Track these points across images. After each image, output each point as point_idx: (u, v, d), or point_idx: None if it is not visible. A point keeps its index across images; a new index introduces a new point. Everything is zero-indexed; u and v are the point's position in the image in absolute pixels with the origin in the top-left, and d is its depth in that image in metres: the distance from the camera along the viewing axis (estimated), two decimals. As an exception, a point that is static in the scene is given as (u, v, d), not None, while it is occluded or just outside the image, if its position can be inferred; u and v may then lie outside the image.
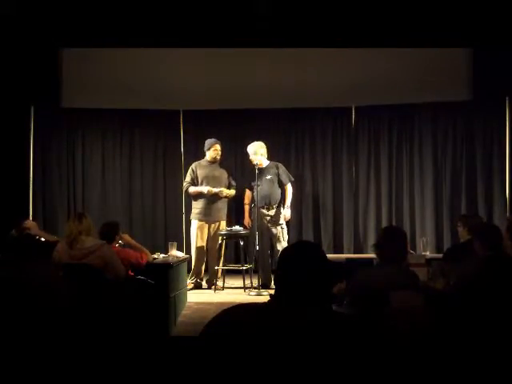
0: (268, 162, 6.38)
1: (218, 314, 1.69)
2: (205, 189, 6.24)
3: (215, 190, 6.24)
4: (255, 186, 6.16)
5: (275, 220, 6.30)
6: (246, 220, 6.51)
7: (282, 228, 6.30)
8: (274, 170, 6.34)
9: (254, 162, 6.23)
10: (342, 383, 1.54)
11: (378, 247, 3.23)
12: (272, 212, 6.30)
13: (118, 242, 4.51)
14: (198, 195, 6.32)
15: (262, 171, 6.27)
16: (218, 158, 6.39)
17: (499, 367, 2.30)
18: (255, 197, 6.17)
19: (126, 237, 4.70)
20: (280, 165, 6.44)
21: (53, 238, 4.84)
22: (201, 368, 1.60)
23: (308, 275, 1.69)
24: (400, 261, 3.13)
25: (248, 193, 6.51)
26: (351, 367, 1.55)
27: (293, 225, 7.00)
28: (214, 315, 1.70)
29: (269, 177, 6.28)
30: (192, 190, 6.35)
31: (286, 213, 6.35)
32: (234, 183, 6.48)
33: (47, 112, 7.01)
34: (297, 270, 1.70)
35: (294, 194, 6.51)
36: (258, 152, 6.27)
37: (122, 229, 4.72)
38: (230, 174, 6.50)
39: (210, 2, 6.09)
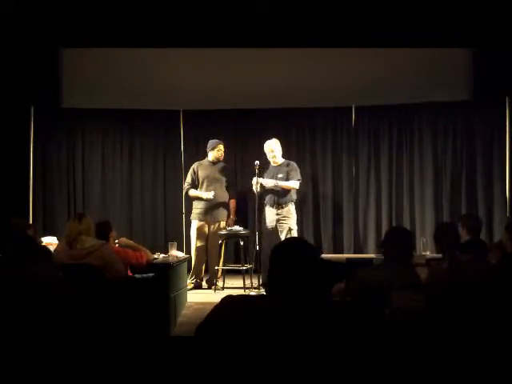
0: (282, 159, 6.35)
1: (214, 311, 1.70)
2: (204, 194, 6.26)
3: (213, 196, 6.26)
4: (258, 188, 6.12)
5: (285, 221, 6.19)
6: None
7: (290, 229, 6.15)
8: (284, 169, 6.28)
9: (270, 159, 6.27)
10: (341, 381, 1.54)
11: (383, 246, 3.23)
12: (282, 211, 6.19)
13: (114, 240, 4.53)
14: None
15: (275, 169, 6.26)
16: (222, 158, 6.41)
17: (500, 368, 2.30)
18: (263, 195, 6.18)
19: (124, 240, 4.70)
20: (291, 163, 6.36)
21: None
22: (200, 368, 1.60)
23: (298, 273, 1.69)
24: (405, 260, 3.14)
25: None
26: (350, 365, 1.55)
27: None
28: (210, 311, 1.71)
29: (280, 175, 6.21)
30: (192, 193, 6.39)
31: (267, 181, 6.14)
32: (234, 186, 6.50)
33: (47, 112, 7.01)
34: (286, 268, 1.71)
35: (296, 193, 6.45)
36: (274, 149, 6.26)
37: (121, 230, 4.73)
38: (231, 176, 6.50)
39: (210, 1, 6.10)
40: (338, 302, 3.12)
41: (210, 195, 6.22)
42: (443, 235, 3.84)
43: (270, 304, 1.67)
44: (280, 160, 6.34)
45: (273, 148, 6.28)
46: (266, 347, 1.57)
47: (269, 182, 6.14)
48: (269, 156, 6.30)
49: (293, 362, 1.54)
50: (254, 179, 6.13)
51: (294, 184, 6.21)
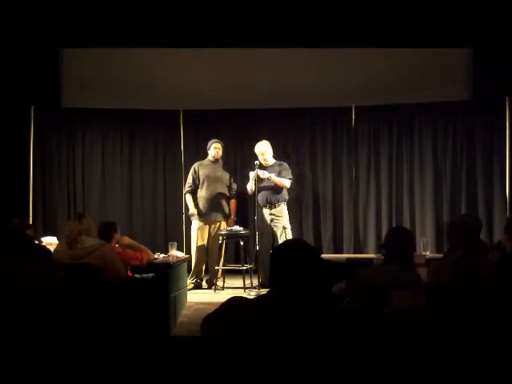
0: (274, 160, 6.39)
1: (214, 313, 1.70)
2: (191, 210, 6.34)
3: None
4: (254, 185, 6.16)
5: (278, 220, 6.24)
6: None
7: (284, 228, 6.22)
8: (277, 168, 6.31)
9: (261, 161, 6.26)
10: (341, 381, 1.54)
11: (384, 247, 3.23)
12: (275, 211, 6.24)
13: (117, 241, 4.51)
14: (198, 195, 6.39)
15: (268, 169, 6.26)
16: (218, 156, 6.41)
17: (499, 367, 2.30)
18: (256, 196, 6.18)
19: (126, 239, 4.70)
20: (283, 163, 6.41)
21: None
22: (200, 367, 1.61)
23: (298, 274, 1.70)
24: (406, 261, 3.14)
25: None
26: (350, 365, 1.55)
27: (292, 225, 6.99)
28: (210, 312, 1.71)
29: (272, 175, 6.22)
30: (187, 200, 6.45)
31: (262, 172, 6.16)
32: (234, 186, 6.51)
33: (47, 112, 7.01)
34: (287, 270, 1.71)
35: (290, 193, 6.43)
36: (264, 151, 6.28)
37: (121, 229, 4.73)
38: (231, 176, 6.51)
39: (210, 1, 6.09)
40: (338, 302, 3.13)
41: (193, 214, 6.29)
42: (461, 232, 3.75)
43: (271, 305, 1.67)
44: (271, 161, 6.36)
45: (264, 150, 6.31)
46: (268, 347, 1.57)
47: (265, 174, 6.16)
48: (260, 158, 6.31)
49: (294, 362, 1.55)
50: (251, 173, 6.19)
51: (285, 181, 6.26)
